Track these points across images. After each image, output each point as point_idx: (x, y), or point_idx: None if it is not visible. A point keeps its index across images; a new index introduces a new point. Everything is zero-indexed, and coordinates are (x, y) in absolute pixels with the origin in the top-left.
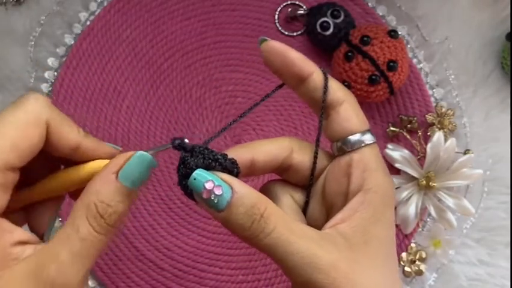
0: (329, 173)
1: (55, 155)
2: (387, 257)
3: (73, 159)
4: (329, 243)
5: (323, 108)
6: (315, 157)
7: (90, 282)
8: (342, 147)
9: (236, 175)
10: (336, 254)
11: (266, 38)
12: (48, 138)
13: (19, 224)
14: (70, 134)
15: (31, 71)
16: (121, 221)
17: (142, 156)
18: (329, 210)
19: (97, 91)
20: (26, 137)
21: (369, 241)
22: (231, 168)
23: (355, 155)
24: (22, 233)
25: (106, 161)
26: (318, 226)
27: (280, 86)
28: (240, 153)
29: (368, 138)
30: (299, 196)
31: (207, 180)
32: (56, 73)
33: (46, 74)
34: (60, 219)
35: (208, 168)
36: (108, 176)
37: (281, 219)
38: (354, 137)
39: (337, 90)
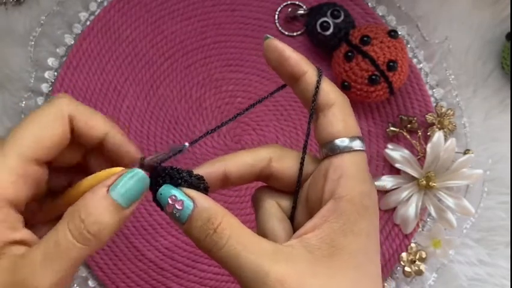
0: (311, 179)
1: (87, 146)
2: (358, 271)
3: (104, 152)
4: (283, 257)
5: (312, 109)
6: (302, 163)
7: (90, 282)
8: (328, 152)
9: (204, 190)
10: (285, 270)
11: (270, 36)
12: (75, 131)
13: None
14: (96, 124)
15: (31, 71)
16: (105, 235)
17: (135, 174)
18: (311, 217)
19: (97, 91)
20: (48, 130)
21: (337, 253)
22: (197, 184)
23: (335, 160)
24: (27, 233)
25: (120, 169)
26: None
27: (282, 87)
28: (211, 168)
29: (355, 144)
30: (286, 202)
31: (170, 195)
32: (56, 73)
33: (46, 74)
34: None
35: (175, 185)
36: (99, 189)
37: (235, 233)
38: (341, 143)
39: (329, 93)
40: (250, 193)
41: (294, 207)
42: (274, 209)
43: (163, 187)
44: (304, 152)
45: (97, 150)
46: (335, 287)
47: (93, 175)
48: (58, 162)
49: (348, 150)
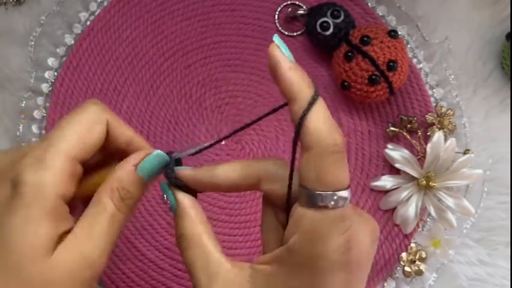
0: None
1: (112, 149)
2: None
3: (126, 154)
4: (228, 283)
5: (294, 144)
6: (290, 184)
7: None
8: (297, 193)
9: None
10: None
11: (277, 38)
12: (108, 135)
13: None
14: (125, 131)
15: (31, 71)
16: (135, 206)
17: (159, 154)
18: None
19: (97, 91)
20: (90, 132)
21: None
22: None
23: (299, 208)
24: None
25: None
26: None
27: (283, 106)
28: (200, 176)
29: (323, 200)
30: (282, 215)
31: (163, 191)
32: (56, 73)
33: (46, 74)
34: None
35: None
36: (128, 167)
37: (193, 246)
38: (307, 194)
39: (311, 133)
40: (249, 199)
41: (287, 221)
42: (270, 218)
43: (162, 183)
44: (290, 178)
45: (116, 154)
46: None
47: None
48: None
49: (311, 205)
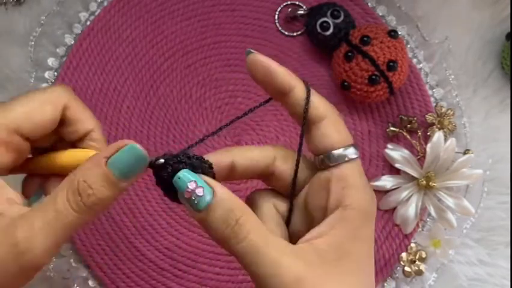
0: (310, 187)
1: (69, 138)
2: (363, 274)
3: (81, 147)
4: (299, 257)
5: (303, 124)
6: (296, 169)
7: (90, 282)
8: (324, 161)
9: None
10: (303, 269)
11: (252, 50)
12: (66, 120)
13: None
14: (85, 118)
15: (31, 71)
16: (100, 206)
17: (133, 148)
18: (310, 223)
19: (97, 91)
20: (40, 111)
21: (344, 258)
22: (207, 171)
23: (335, 171)
24: (12, 192)
25: (93, 152)
26: (300, 237)
27: (268, 101)
28: (220, 157)
29: (351, 152)
30: (283, 206)
31: (190, 180)
32: (56, 73)
33: (46, 74)
34: None
35: (193, 171)
36: (98, 160)
37: (255, 228)
38: (336, 152)
39: (318, 106)
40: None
41: (290, 211)
42: (271, 211)
43: (182, 171)
44: (298, 159)
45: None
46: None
47: (77, 150)
48: (36, 143)
49: (347, 159)
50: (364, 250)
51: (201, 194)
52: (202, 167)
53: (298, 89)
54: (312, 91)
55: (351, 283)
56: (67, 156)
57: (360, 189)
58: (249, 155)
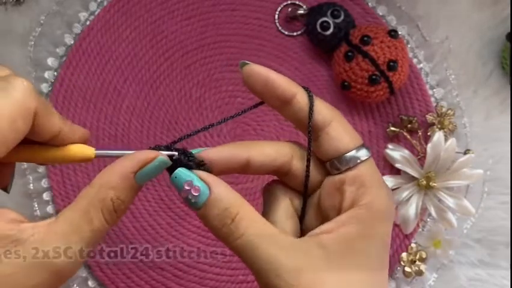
0: (323, 189)
1: (36, 140)
2: (371, 272)
3: (51, 144)
4: (299, 251)
5: (309, 131)
6: (307, 175)
7: (90, 282)
8: (337, 165)
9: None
10: (302, 262)
11: (247, 62)
12: (33, 126)
13: None
14: (53, 122)
15: (31, 71)
16: (124, 212)
17: (163, 163)
18: (324, 221)
19: (97, 91)
20: (14, 129)
21: (352, 254)
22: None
23: (349, 173)
24: (8, 211)
25: (82, 146)
26: None
27: (260, 104)
28: (236, 151)
29: (363, 153)
30: (298, 202)
31: (186, 179)
32: (56, 73)
33: (46, 74)
34: None
35: (188, 168)
36: (127, 174)
37: (252, 224)
38: (348, 155)
39: (323, 110)
40: (255, 185)
41: (303, 209)
42: (286, 205)
43: (177, 171)
44: (308, 165)
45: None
46: (349, 284)
47: (69, 147)
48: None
49: (360, 160)
50: (375, 248)
51: (197, 193)
52: (192, 164)
53: (300, 95)
54: (314, 96)
55: (355, 279)
56: (54, 150)
57: (376, 189)
58: (267, 152)
